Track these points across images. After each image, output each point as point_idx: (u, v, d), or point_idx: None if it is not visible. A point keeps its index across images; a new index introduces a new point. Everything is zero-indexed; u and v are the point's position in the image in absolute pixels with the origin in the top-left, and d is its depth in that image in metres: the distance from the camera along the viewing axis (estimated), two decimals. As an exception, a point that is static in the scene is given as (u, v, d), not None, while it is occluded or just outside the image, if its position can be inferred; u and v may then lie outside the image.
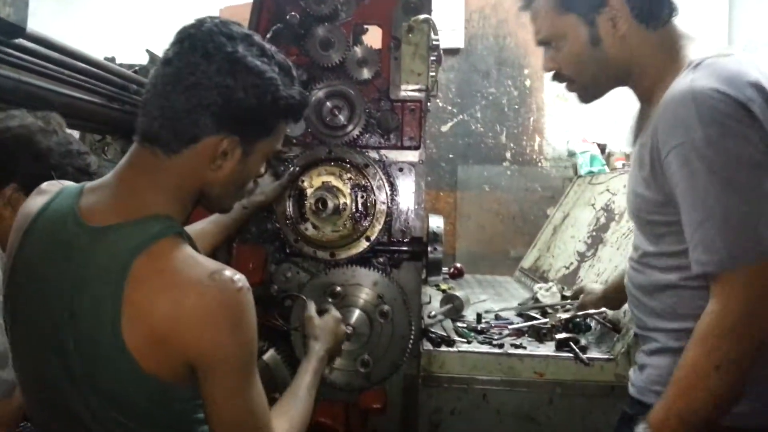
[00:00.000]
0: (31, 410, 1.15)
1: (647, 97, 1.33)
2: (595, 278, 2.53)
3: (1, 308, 1.26)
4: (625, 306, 2.09)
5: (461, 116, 4.74)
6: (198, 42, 1.04)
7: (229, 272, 0.99)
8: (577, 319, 2.19)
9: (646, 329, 1.34)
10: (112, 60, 3.13)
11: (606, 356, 1.98)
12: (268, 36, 1.92)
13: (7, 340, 1.28)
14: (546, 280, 3.01)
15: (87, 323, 0.98)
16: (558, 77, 1.43)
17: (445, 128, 4.75)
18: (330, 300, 1.89)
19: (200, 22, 1.08)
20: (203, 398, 1.02)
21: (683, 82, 1.17)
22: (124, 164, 1.09)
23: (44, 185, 1.17)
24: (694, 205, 1.12)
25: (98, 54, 2.83)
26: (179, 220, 1.08)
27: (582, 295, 2.09)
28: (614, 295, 1.91)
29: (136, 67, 3.20)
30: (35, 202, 1.13)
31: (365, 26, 2.06)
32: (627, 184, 1.41)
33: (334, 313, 1.66)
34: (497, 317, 2.50)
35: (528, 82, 4.67)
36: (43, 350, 1.03)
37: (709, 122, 1.09)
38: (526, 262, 3.69)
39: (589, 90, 1.41)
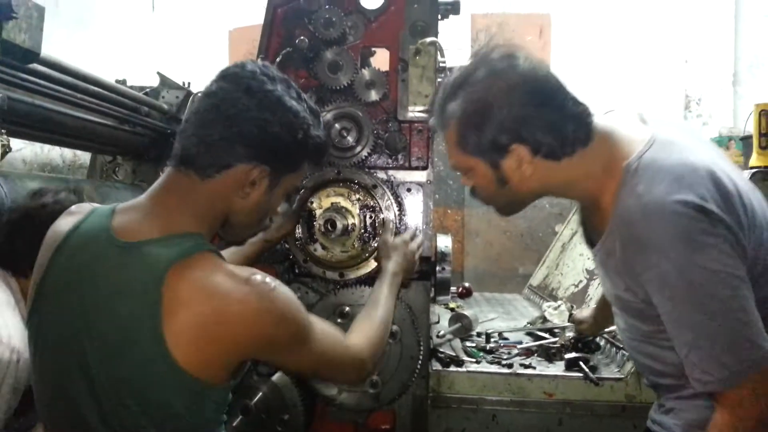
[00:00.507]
0: (46, 423, 1.17)
1: (590, 202, 1.31)
2: (604, 297, 2.53)
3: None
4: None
5: (468, 134, 4.76)
6: (241, 79, 1.15)
7: (260, 276, 1.08)
8: (587, 339, 2.19)
9: (661, 385, 1.32)
10: (124, 82, 3.18)
11: (616, 376, 1.97)
12: (278, 59, 1.95)
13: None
14: (555, 298, 3.00)
15: (122, 333, 1.03)
16: (474, 195, 1.41)
17: (452, 146, 4.77)
18: (339, 320, 1.90)
19: (243, 64, 1.19)
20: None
21: (632, 196, 1.15)
22: (158, 187, 1.17)
23: (73, 207, 1.23)
24: (681, 328, 1.12)
25: (109, 77, 2.88)
26: (207, 241, 1.15)
27: (576, 326, 2.08)
28: (604, 315, 1.90)
29: (147, 90, 3.25)
30: (65, 222, 1.18)
31: (373, 49, 2.09)
32: (603, 284, 1.40)
33: (404, 236, 1.80)
34: (500, 335, 2.48)
35: (535, 100, 4.70)
36: (66, 364, 1.06)
37: (673, 243, 1.08)
38: (535, 280, 3.68)
39: (503, 211, 1.41)
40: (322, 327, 1.20)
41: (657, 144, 1.19)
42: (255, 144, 1.14)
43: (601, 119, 1.30)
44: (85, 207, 1.21)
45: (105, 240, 1.09)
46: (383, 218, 1.93)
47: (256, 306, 1.04)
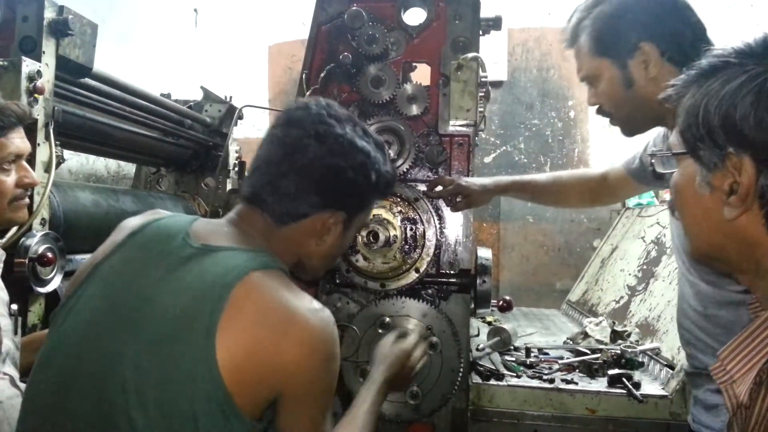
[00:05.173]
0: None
1: None
2: (647, 313, 2.49)
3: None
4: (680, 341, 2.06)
5: (504, 147, 4.75)
6: (310, 124, 1.14)
7: (326, 309, 1.07)
8: (628, 355, 2.16)
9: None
10: (168, 96, 3.27)
11: (660, 393, 1.94)
12: (322, 75, 1.99)
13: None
14: (595, 314, 2.96)
15: (175, 322, 0.98)
16: (601, 112, 1.51)
17: (488, 159, 4.76)
18: (380, 331, 1.91)
19: (308, 106, 1.18)
20: (281, 429, 1.03)
21: None
22: (235, 217, 1.17)
23: (150, 211, 1.23)
24: None
25: (154, 90, 2.97)
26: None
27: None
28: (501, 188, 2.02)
29: (191, 103, 3.34)
30: (142, 219, 1.18)
31: (414, 64, 2.12)
32: (679, 245, 1.41)
33: (406, 343, 1.54)
34: (540, 350, 2.46)
35: (572, 114, 4.67)
36: (110, 345, 1.00)
37: None
38: (574, 295, 3.64)
39: (627, 126, 1.48)
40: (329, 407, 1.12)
41: None
42: (330, 192, 1.15)
43: None
44: (162, 212, 1.22)
45: (181, 239, 1.08)
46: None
47: (318, 335, 1.01)
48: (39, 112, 1.88)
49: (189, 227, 1.11)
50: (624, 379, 1.98)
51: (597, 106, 1.51)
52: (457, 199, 1.93)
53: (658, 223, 2.98)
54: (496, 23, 2.10)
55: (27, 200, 1.62)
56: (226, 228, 1.15)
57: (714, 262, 0.90)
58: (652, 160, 0.96)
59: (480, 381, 2.05)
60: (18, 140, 1.53)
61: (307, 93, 2.00)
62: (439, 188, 1.94)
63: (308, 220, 1.15)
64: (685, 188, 0.86)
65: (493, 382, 2.05)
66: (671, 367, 2.02)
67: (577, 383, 2.02)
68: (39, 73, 1.85)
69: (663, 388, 1.97)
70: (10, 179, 1.53)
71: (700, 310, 1.33)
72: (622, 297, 2.86)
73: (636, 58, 1.36)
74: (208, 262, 1.03)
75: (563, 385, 2.00)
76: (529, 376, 2.11)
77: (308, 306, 1.04)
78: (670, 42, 1.33)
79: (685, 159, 0.85)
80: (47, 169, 1.90)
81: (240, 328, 0.97)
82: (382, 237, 1.89)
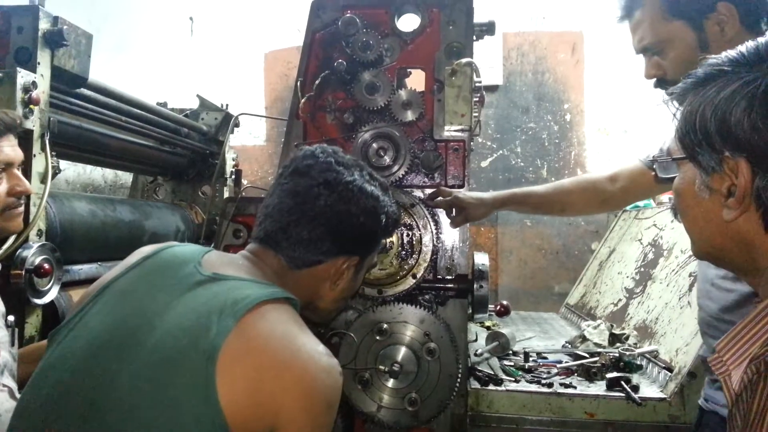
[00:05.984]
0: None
1: None
2: (645, 315, 2.49)
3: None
4: (677, 344, 2.06)
5: (501, 151, 4.76)
6: (317, 174, 1.17)
7: (334, 358, 1.04)
8: (627, 359, 2.16)
9: None
10: (165, 105, 3.28)
11: (659, 396, 1.93)
12: (317, 82, 1.99)
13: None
14: (593, 317, 2.96)
15: (177, 343, 0.95)
16: (661, 84, 1.46)
17: (485, 164, 4.77)
18: (377, 337, 1.91)
19: (314, 154, 1.21)
20: None
21: None
22: (249, 253, 1.19)
23: (165, 243, 1.23)
24: None
25: (150, 99, 2.97)
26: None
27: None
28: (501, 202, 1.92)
29: (187, 111, 3.35)
30: (151, 246, 1.19)
31: (409, 70, 2.12)
32: None
33: None
34: (539, 354, 2.45)
35: (568, 117, 4.67)
36: (109, 363, 0.98)
37: None
38: (572, 299, 3.63)
39: None
40: None
41: None
42: (343, 238, 1.19)
43: None
44: (176, 243, 1.23)
45: (192, 267, 1.08)
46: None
47: (322, 381, 0.97)
48: (34, 123, 1.88)
49: (201, 257, 1.12)
50: (622, 383, 1.97)
51: (655, 80, 1.46)
52: (454, 213, 1.92)
53: (654, 225, 2.98)
54: (489, 28, 2.11)
55: (21, 209, 1.62)
56: (240, 261, 1.16)
57: (716, 261, 0.94)
58: (654, 166, 0.98)
59: (478, 386, 2.04)
60: (8, 149, 1.53)
61: (302, 100, 2.00)
62: (439, 199, 1.94)
63: (322, 265, 1.19)
64: (685, 192, 0.90)
65: (491, 387, 2.04)
66: (670, 369, 2.01)
67: (575, 387, 2.02)
68: (34, 84, 1.86)
69: (662, 391, 1.96)
70: (2, 188, 1.52)
71: (738, 289, 1.29)
72: (620, 300, 2.86)
73: (712, 18, 1.33)
74: (218, 290, 1.02)
75: (562, 389, 1.99)
76: (527, 381, 2.10)
77: (315, 347, 1.01)
78: (747, 4, 1.31)
79: (685, 164, 0.90)
80: (43, 180, 1.90)
81: (243, 359, 0.94)
82: (378, 243, 1.89)
